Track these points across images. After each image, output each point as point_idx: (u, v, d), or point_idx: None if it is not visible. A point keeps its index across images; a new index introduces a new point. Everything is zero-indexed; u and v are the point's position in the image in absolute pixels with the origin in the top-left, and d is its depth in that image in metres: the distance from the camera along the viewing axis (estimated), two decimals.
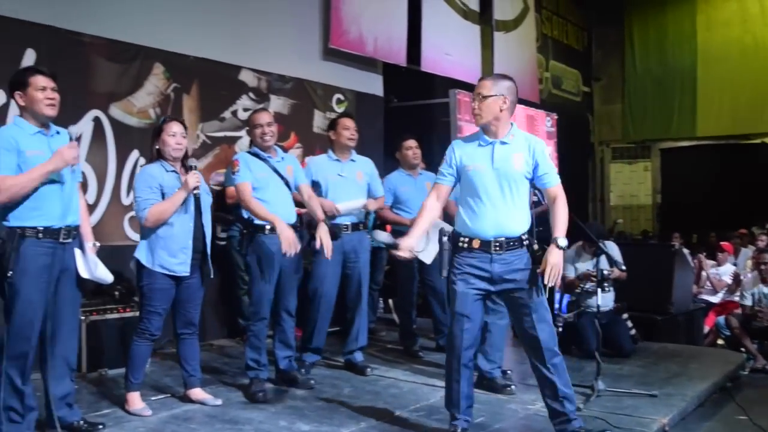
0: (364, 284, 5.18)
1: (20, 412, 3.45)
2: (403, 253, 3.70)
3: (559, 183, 3.62)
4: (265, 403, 4.36)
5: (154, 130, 4.20)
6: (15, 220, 3.41)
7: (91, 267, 3.67)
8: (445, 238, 3.74)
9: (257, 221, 4.50)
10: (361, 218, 5.19)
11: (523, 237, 3.59)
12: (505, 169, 3.57)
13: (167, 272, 4.03)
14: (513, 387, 4.72)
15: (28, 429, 3.50)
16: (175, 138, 4.09)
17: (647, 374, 5.26)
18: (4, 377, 3.39)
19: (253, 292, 4.60)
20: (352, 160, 5.22)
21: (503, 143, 3.61)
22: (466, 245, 3.64)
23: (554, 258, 3.47)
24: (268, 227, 4.48)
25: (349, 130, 5.16)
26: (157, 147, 4.13)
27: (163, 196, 4.04)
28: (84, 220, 3.79)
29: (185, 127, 4.22)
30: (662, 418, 4.16)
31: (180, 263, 4.05)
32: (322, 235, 4.59)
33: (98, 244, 3.88)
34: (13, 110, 4.87)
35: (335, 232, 4.91)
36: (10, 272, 3.34)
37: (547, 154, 3.62)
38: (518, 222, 3.60)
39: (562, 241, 3.50)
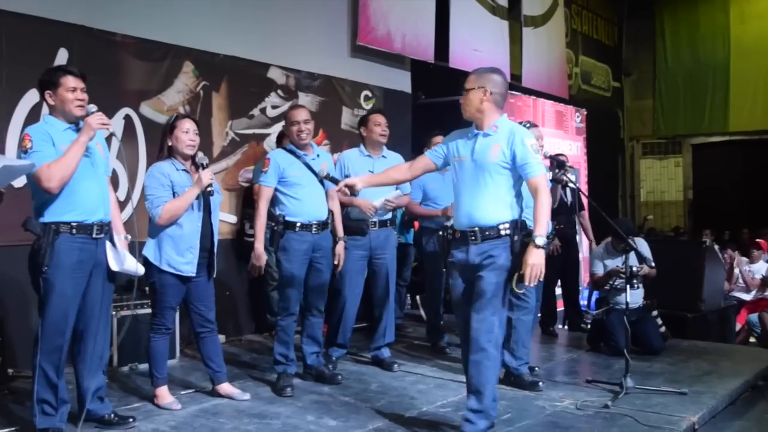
0: (391, 280, 5.19)
1: (54, 405, 3.51)
2: (339, 188, 3.88)
3: (542, 175, 3.54)
4: (292, 397, 4.40)
5: (166, 128, 4.20)
6: (50, 216, 3.46)
7: (121, 259, 3.71)
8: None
9: (288, 218, 4.57)
10: (388, 215, 5.20)
11: (501, 227, 3.54)
12: (482, 161, 3.58)
13: (174, 271, 4.05)
14: (541, 384, 4.70)
15: (60, 422, 3.56)
16: (189, 135, 4.10)
17: (677, 372, 5.20)
18: (38, 371, 3.46)
19: (281, 288, 4.65)
20: (384, 156, 5.23)
21: (485, 135, 3.61)
22: (451, 236, 3.70)
23: (533, 258, 3.41)
24: (298, 225, 4.55)
25: (380, 126, 5.18)
26: (169, 144, 4.13)
27: (174, 195, 4.04)
28: (115, 214, 3.84)
29: (197, 125, 4.24)
30: (692, 416, 4.12)
31: (187, 263, 4.06)
32: (340, 251, 4.76)
33: (129, 237, 3.92)
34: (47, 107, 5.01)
35: (362, 228, 4.97)
36: (46, 267, 3.41)
37: (528, 145, 3.53)
38: (492, 212, 3.55)
39: (540, 240, 3.42)
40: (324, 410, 4.16)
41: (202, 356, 4.33)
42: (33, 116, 4.99)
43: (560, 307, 7.03)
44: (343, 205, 4.97)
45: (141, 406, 4.17)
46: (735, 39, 13.22)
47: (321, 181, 4.65)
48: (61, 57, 5.21)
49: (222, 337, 6.06)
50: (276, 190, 4.61)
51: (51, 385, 3.49)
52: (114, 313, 5.01)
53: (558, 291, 6.84)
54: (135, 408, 4.13)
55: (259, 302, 6.37)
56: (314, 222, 4.61)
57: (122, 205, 5.50)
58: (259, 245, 4.54)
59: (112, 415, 3.78)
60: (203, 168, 4.09)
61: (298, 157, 4.65)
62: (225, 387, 4.34)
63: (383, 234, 5.13)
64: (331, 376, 4.78)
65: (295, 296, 4.61)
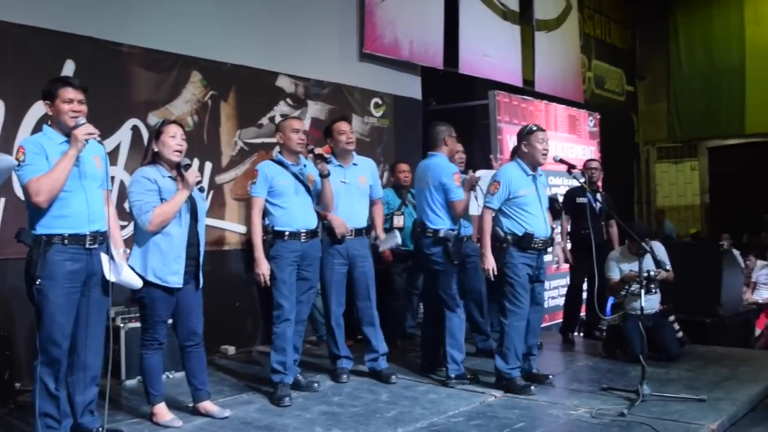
0: (371, 289, 5.10)
1: (57, 418, 3.46)
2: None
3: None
4: (301, 409, 4.33)
5: (152, 134, 4.11)
6: (42, 227, 3.44)
7: (118, 270, 3.65)
8: None
9: (276, 228, 4.61)
10: (364, 224, 5.14)
11: None
12: None
13: (160, 282, 3.92)
14: (532, 388, 4.67)
15: None
16: (176, 139, 3.98)
17: (695, 378, 5.09)
18: (38, 384, 3.42)
19: (275, 295, 4.62)
20: (354, 164, 5.16)
21: None
22: None
23: None
24: (286, 234, 4.59)
25: (344, 134, 5.08)
26: (155, 150, 4.01)
27: (161, 201, 3.92)
28: (114, 226, 3.77)
29: (184, 130, 4.15)
30: (711, 424, 4.01)
31: (173, 273, 3.92)
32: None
33: (128, 251, 3.89)
34: None
35: (339, 237, 5.00)
36: (39, 279, 3.39)
37: None
38: None
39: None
40: (333, 421, 4.09)
41: (186, 371, 4.17)
42: (40, 128, 4.96)
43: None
44: (321, 217, 4.93)
45: (146, 420, 4.09)
46: (750, 40, 13.07)
47: (308, 191, 4.70)
48: (68, 68, 5.22)
49: (232, 349, 6.04)
50: (265, 200, 4.63)
51: (52, 397, 3.44)
52: (122, 325, 4.99)
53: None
54: (140, 422, 4.07)
55: (269, 312, 6.31)
56: (303, 231, 4.63)
57: (129, 217, 5.49)
58: (259, 254, 4.53)
59: (101, 429, 3.65)
60: (187, 169, 3.98)
61: (285, 167, 4.67)
62: (206, 405, 4.19)
63: (359, 242, 5.07)
64: (307, 384, 4.79)
65: (288, 302, 4.60)
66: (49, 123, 3.59)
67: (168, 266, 3.92)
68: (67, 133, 3.53)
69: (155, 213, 3.86)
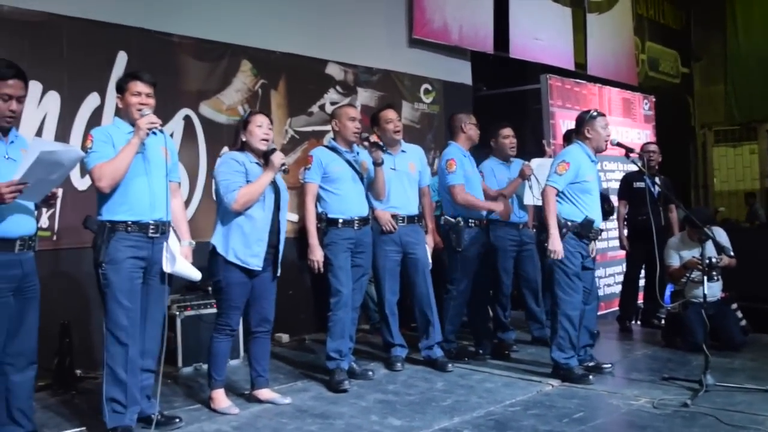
0: (428, 275, 5.04)
1: (123, 403, 3.49)
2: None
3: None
4: (356, 397, 4.31)
5: (240, 123, 4.20)
6: (107, 214, 3.55)
7: (173, 261, 3.68)
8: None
9: (330, 215, 4.62)
10: (415, 210, 5.08)
11: None
12: None
13: (240, 263, 3.98)
14: (591, 377, 4.58)
15: (130, 421, 3.54)
16: (262, 129, 4.08)
17: (760, 368, 4.93)
18: (106, 368, 3.49)
19: (331, 281, 4.62)
20: (403, 151, 5.12)
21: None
22: None
23: None
24: (340, 221, 4.60)
25: (392, 122, 5.05)
26: (243, 139, 4.11)
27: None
28: (180, 218, 3.89)
29: (271, 121, 4.22)
30: None
31: (254, 255, 3.99)
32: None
33: (194, 243, 3.94)
34: (108, 111, 5.07)
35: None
36: (103, 264, 3.48)
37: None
38: None
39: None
40: (388, 410, 4.06)
41: (251, 356, 4.24)
42: (94, 119, 5.06)
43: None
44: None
45: (204, 406, 4.12)
46: None
47: (361, 178, 4.70)
48: (121, 60, 5.27)
49: (286, 337, 6.06)
50: (319, 187, 4.65)
51: (118, 382, 3.49)
52: (177, 313, 5.03)
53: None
54: (197, 408, 4.10)
55: (323, 300, 6.30)
56: (356, 218, 4.64)
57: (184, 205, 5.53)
58: (313, 240, 4.56)
59: (159, 415, 3.71)
60: (272, 153, 4.04)
61: (339, 154, 4.68)
62: (265, 392, 4.22)
63: (411, 229, 5.02)
64: (362, 373, 4.76)
65: (345, 288, 4.60)
66: (118, 114, 3.76)
67: (249, 248, 3.99)
68: (134, 123, 3.62)
69: (241, 192, 3.95)
